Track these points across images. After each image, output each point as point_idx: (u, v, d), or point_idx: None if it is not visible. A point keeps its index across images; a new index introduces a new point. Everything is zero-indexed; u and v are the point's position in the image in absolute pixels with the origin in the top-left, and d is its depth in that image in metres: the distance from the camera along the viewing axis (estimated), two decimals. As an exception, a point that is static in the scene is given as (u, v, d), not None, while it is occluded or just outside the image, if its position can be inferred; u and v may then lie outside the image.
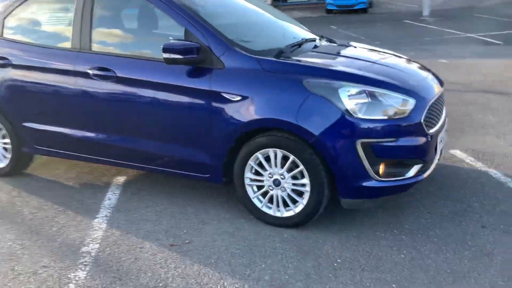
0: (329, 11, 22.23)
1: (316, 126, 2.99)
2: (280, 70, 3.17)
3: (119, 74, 3.56)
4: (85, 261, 2.98)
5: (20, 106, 4.08)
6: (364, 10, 21.84)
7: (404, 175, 3.09)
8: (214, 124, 3.29)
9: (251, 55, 3.25)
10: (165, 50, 3.22)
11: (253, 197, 3.34)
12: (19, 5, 4.17)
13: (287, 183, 3.19)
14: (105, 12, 3.84)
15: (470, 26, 15.19)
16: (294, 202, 3.22)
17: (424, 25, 16.50)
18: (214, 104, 3.26)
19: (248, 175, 3.31)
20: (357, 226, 3.28)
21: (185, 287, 2.68)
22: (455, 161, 4.33)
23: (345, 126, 2.95)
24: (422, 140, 3.08)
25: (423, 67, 3.64)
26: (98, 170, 4.49)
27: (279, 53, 3.40)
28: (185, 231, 3.32)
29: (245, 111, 3.16)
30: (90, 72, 3.65)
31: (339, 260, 2.89)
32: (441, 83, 3.58)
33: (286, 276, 2.76)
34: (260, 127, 3.16)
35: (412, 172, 3.11)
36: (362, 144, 2.95)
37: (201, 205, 3.69)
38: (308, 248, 3.03)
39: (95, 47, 3.74)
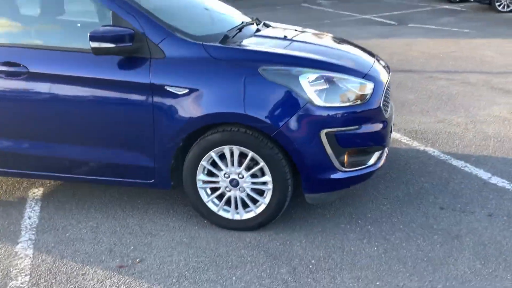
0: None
1: (277, 118, 2.72)
2: (232, 57, 2.84)
3: (32, 69, 2.98)
4: (16, 300, 2.46)
5: None
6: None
7: (366, 163, 2.95)
8: (157, 122, 2.88)
9: (196, 42, 2.88)
10: (93, 38, 2.73)
11: (208, 201, 3.00)
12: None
13: (246, 183, 2.90)
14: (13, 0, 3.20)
15: (364, 8, 15.80)
16: (255, 202, 2.94)
17: (322, 8, 16.86)
18: (156, 99, 2.84)
19: (201, 177, 2.96)
20: (320, 220, 3.09)
21: (150, 317, 2.30)
22: (392, 142, 4.32)
23: (309, 115, 2.72)
24: (381, 125, 2.95)
25: (370, 52, 3.51)
26: (7, 183, 3.82)
27: (224, 38, 3.06)
28: (132, 247, 2.89)
29: (194, 105, 2.79)
30: (-6, 68, 3.03)
31: (313, 261, 2.68)
32: (388, 67, 3.49)
33: (262, 287, 2.48)
34: (213, 123, 2.82)
35: (373, 159, 2.98)
36: (327, 134, 2.74)
37: (144, 214, 3.26)
38: (276, 252, 2.78)
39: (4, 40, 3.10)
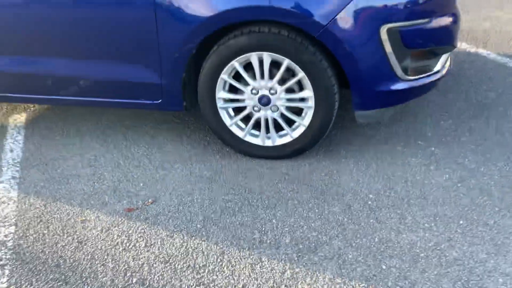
0: None
1: (323, 11, 2.03)
2: None
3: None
4: (0, 258, 1.92)
5: None
6: None
7: (432, 69, 2.31)
8: (160, 26, 2.19)
9: None
10: None
11: (231, 124, 2.39)
12: None
13: (280, 100, 2.27)
14: None
15: None
16: (290, 123, 2.33)
17: None
18: (158, -8, 2.13)
19: (221, 94, 2.32)
20: (369, 143, 2.51)
21: (172, 277, 1.77)
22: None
23: (365, 6, 2.03)
24: (451, 19, 2.27)
25: None
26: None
27: None
28: (141, 184, 2.32)
29: (209, -1, 2.09)
30: None
31: (371, 196, 2.13)
32: None
33: (313, 232, 1.94)
34: (236, 22, 2.13)
35: (440, 64, 2.34)
36: (388, 30, 2.06)
37: (151, 142, 2.66)
38: (322, 185, 2.22)
39: None
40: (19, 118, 3.04)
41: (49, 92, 2.52)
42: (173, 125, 2.81)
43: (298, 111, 2.30)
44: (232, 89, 2.33)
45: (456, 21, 2.30)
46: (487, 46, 3.58)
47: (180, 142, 2.65)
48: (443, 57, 2.35)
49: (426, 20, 2.13)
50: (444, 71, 2.38)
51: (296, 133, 2.32)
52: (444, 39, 2.26)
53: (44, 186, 2.34)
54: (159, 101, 2.41)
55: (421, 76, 2.26)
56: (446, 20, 2.22)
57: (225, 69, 2.24)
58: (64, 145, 2.70)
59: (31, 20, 2.33)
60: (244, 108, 2.35)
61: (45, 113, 3.06)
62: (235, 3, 2.06)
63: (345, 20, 2.03)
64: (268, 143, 2.38)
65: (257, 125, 2.38)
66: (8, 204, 2.24)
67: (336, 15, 2.02)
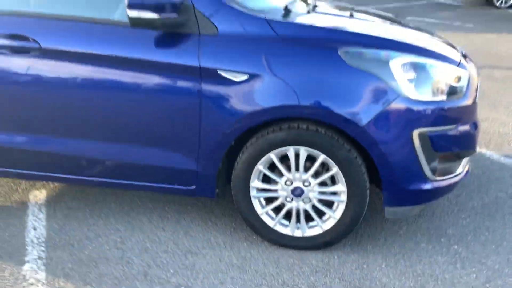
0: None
1: (360, 113, 2.18)
2: (303, 36, 2.27)
3: (44, 45, 2.36)
4: None
5: None
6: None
7: (455, 171, 2.45)
8: (204, 115, 2.31)
9: (258, 15, 2.30)
10: (132, 6, 2.13)
11: (262, 213, 2.45)
12: None
13: (313, 192, 2.36)
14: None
15: (357, 0, 15.33)
16: (320, 215, 2.41)
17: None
18: (205, 86, 2.27)
19: (255, 183, 2.40)
20: (394, 238, 2.58)
21: None
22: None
23: (400, 111, 2.19)
24: (474, 125, 2.45)
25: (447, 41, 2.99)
26: (1, 184, 3.18)
27: (286, 12, 2.49)
28: (171, 271, 2.32)
29: (254, 95, 2.23)
30: (-5, 42, 2.39)
31: (402, 292, 2.17)
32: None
33: (351, 329, 1.95)
34: (278, 117, 2.26)
35: (461, 167, 2.49)
36: (420, 135, 2.22)
37: (177, 226, 2.69)
38: (355, 279, 2.25)
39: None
40: (39, 195, 3.04)
41: (78, 172, 2.56)
42: (198, 209, 2.85)
43: (329, 204, 2.39)
44: (265, 179, 2.41)
45: (476, 128, 2.48)
46: (489, 147, 3.79)
47: (205, 227, 2.68)
48: (464, 160, 2.50)
49: (452, 126, 2.30)
50: (464, 173, 2.53)
51: (327, 225, 2.38)
52: (467, 144, 2.42)
53: (73, 269, 2.32)
54: (193, 187, 2.47)
55: (446, 177, 2.39)
56: (469, 126, 2.40)
57: (261, 160, 2.34)
58: (88, 225, 2.70)
59: (67, 102, 2.43)
60: (276, 198, 2.42)
61: (65, 191, 3.07)
62: (279, 101, 2.21)
63: (381, 123, 2.18)
64: (298, 233, 2.43)
65: (287, 215, 2.44)
66: (37, 286, 2.20)
67: (373, 117, 2.17)
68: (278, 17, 2.37)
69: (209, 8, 2.27)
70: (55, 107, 2.45)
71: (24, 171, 2.62)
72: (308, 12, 2.68)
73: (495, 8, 12.75)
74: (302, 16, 2.54)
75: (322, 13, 2.76)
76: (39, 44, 2.36)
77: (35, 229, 2.67)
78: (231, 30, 2.26)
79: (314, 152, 2.28)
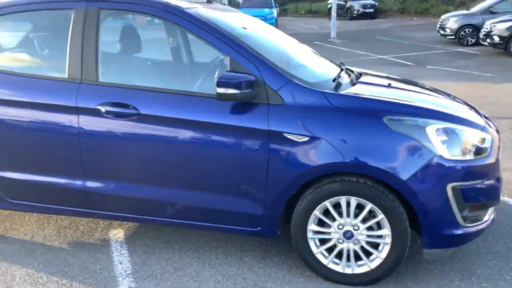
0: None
1: (403, 170, 2.65)
2: (354, 106, 2.78)
3: (143, 111, 2.91)
4: None
5: (-9, 151, 3.19)
6: (271, 31, 22.06)
7: (482, 219, 2.87)
8: (271, 169, 2.80)
9: (316, 89, 2.83)
10: (221, 84, 2.67)
11: (317, 253, 2.89)
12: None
13: (362, 235, 2.80)
14: (116, 37, 3.16)
15: (377, 48, 15.95)
16: (368, 255, 2.83)
17: (334, 46, 17.03)
18: (273, 146, 2.77)
19: (312, 227, 2.86)
20: (430, 276, 2.98)
21: None
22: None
23: (436, 168, 2.65)
24: (499, 179, 2.89)
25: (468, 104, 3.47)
26: (82, 224, 3.69)
27: (338, 85, 3.02)
28: (243, 300, 2.76)
29: (313, 154, 2.72)
30: (101, 108, 2.94)
31: (441, 322, 2.56)
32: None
33: None
34: (333, 172, 2.74)
35: (488, 215, 2.91)
36: (453, 188, 2.67)
37: (240, 262, 3.13)
38: (398, 310, 2.66)
39: (104, 78, 3.03)
40: (117, 233, 3.53)
41: (166, 215, 3.05)
42: (256, 248, 3.29)
43: (375, 245, 2.81)
44: (320, 223, 2.86)
45: (500, 181, 2.92)
46: (511, 195, 4.19)
47: (265, 263, 3.12)
48: (490, 209, 2.93)
49: (479, 181, 2.74)
50: (490, 221, 2.95)
51: (374, 264, 2.81)
52: (492, 196, 2.86)
53: (160, 296, 2.77)
54: (258, 228, 2.94)
55: (475, 224, 2.81)
56: (494, 181, 2.84)
57: (318, 207, 2.80)
58: (165, 260, 3.16)
59: (160, 157, 2.94)
60: (329, 239, 2.86)
61: (140, 230, 3.56)
62: (334, 159, 2.69)
63: (420, 177, 2.64)
64: (348, 270, 2.86)
65: (338, 254, 2.87)
66: (134, 310, 2.65)
67: (414, 173, 2.63)
68: (332, 89, 2.89)
69: (277, 83, 2.80)
70: (146, 160, 2.96)
71: (116, 214, 3.12)
72: (353, 82, 3.20)
73: None
74: (350, 88, 3.05)
75: (365, 83, 3.27)
76: (137, 110, 2.90)
77: (121, 263, 3.14)
78: (294, 101, 2.78)
79: (362, 201, 2.73)
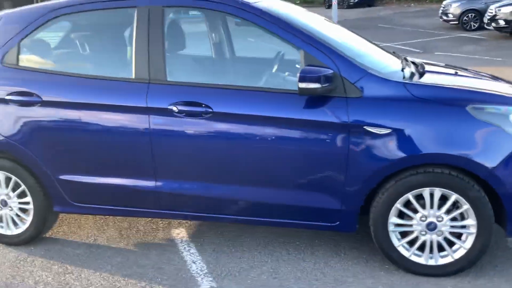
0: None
1: (489, 158, 2.63)
2: (436, 96, 2.75)
3: (216, 109, 2.86)
4: None
5: (56, 155, 3.14)
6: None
7: None
8: (351, 163, 2.77)
9: (395, 80, 2.80)
10: (303, 79, 2.63)
11: (398, 246, 2.87)
12: (42, 24, 3.19)
13: (445, 226, 2.78)
14: (181, 35, 3.10)
15: (380, 36, 15.85)
16: (450, 245, 2.82)
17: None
18: (353, 139, 2.74)
19: (393, 220, 2.83)
20: (508, 265, 2.97)
21: None
22: None
23: (523, 153, 2.64)
24: None
25: None
26: (141, 224, 3.65)
27: (411, 75, 2.98)
28: (329, 295, 2.74)
29: (396, 146, 2.69)
30: (174, 108, 2.89)
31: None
32: None
33: None
34: (417, 164, 2.71)
35: None
36: (537, 176, 2.65)
37: (314, 257, 3.11)
38: (489, 300, 2.65)
39: (173, 77, 2.98)
40: (180, 233, 3.50)
41: (240, 213, 3.02)
42: (325, 242, 3.27)
43: (458, 235, 2.80)
44: (400, 215, 2.84)
45: None
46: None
47: (340, 258, 3.10)
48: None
49: None
50: None
51: (457, 254, 2.80)
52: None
53: (246, 295, 2.75)
54: (336, 223, 2.91)
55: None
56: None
57: (400, 200, 2.78)
58: (237, 258, 3.14)
59: (235, 155, 2.90)
60: (410, 232, 2.85)
61: (201, 228, 3.53)
62: (418, 150, 2.66)
63: (506, 165, 2.62)
64: (431, 262, 2.84)
65: (419, 246, 2.86)
66: (224, 310, 2.63)
67: (500, 161, 2.61)
68: (411, 80, 2.85)
69: (354, 76, 2.76)
70: (221, 158, 2.92)
71: (189, 213, 3.08)
72: (421, 72, 3.16)
73: None
74: (422, 78, 3.01)
75: (433, 72, 3.23)
76: (211, 108, 2.86)
77: (194, 262, 3.11)
78: (373, 93, 2.75)
79: (447, 192, 2.71)
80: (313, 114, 2.77)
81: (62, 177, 3.17)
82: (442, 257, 2.84)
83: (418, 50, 12.81)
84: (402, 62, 3.29)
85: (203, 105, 2.87)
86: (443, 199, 2.75)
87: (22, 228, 3.36)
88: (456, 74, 3.28)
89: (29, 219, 3.33)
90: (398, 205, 2.79)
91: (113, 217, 3.73)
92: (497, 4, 14.14)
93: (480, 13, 15.79)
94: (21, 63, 3.20)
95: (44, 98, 3.08)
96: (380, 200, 2.82)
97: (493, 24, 13.98)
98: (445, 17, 16.81)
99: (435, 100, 2.73)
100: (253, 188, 2.94)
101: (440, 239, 2.81)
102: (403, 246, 2.87)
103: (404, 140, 2.68)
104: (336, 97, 2.76)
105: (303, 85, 2.64)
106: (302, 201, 2.91)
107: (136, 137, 2.98)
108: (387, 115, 2.71)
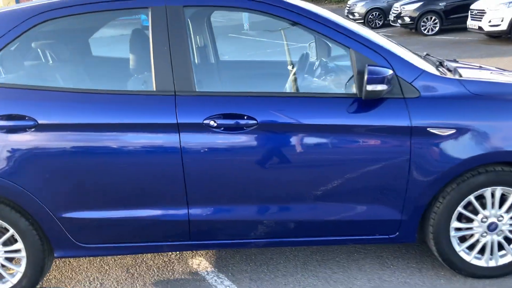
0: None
1: (548, 152, 2.57)
2: (492, 91, 2.63)
3: (261, 120, 2.50)
4: None
5: (58, 189, 2.56)
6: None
7: None
8: (413, 168, 2.56)
9: (452, 77, 2.64)
10: (371, 80, 2.37)
11: (459, 251, 2.72)
12: (28, 30, 2.57)
13: (505, 225, 2.69)
14: (205, 38, 2.68)
15: (295, 36, 15.98)
16: (509, 243, 2.74)
17: (251, 37, 16.83)
18: (416, 142, 2.53)
19: (454, 224, 2.68)
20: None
21: None
22: None
23: None
24: None
25: None
26: (148, 258, 3.15)
27: (455, 71, 2.85)
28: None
29: (461, 146, 2.53)
30: (211, 122, 2.48)
31: None
32: None
33: None
34: (483, 163, 2.58)
35: None
36: None
37: (365, 274, 2.87)
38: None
39: (202, 87, 2.56)
40: (201, 263, 3.07)
41: (282, 235, 2.68)
42: (366, 254, 3.05)
43: (513, 232, 2.72)
44: (460, 219, 2.69)
45: None
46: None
47: (391, 270, 2.88)
48: None
49: None
50: None
51: (517, 252, 2.72)
52: None
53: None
54: (395, 235, 2.69)
55: None
56: None
57: (462, 203, 2.63)
58: (283, 285, 2.79)
59: (283, 171, 2.56)
60: (471, 235, 2.72)
61: (222, 255, 3.13)
62: (485, 149, 2.52)
63: None
64: (492, 263, 2.74)
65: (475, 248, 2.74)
66: None
67: (561, 155, 2.57)
68: (466, 77, 2.71)
69: (410, 75, 2.56)
70: (269, 175, 2.56)
71: (230, 241, 2.68)
72: (455, 69, 3.02)
73: (423, 36, 14.06)
74: (466, 74, 2.87)
75: (464, 68, 3.11)
76: (255, 120, 2.49)
77: (235, 295, 2.72)
78: (431, 92, 2.57)
79: (508, 190, 2.62)
80: (373, 118, 2.52)
81: (66, 215, 2.60)
82: (501, 256, 2.75)
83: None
84: (425, 58, 3.16)
85: (245, 117, 2.49)
86: (503, 198, 2.65)
87: (11, 281, 2.71)
88: (480, 68, 3.22)
89: (20, 269, 2.70)
90: (460, 208, 2.65)
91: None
92: (401, 2, 15.01)
93: (383, 12, 16.71)
94: (5, 80, 2.57)
95: (40, 121, 2.48)
96: (441, 205, 2.65)
97: (399, 21, 14.81)
98: (351, 16, 17.50)
99: (490, 96, 2.61)
100: (308, 206, 2.62)
101: (500, 238, 2.71)
102: (464, 251, 2.74)
103: (468, 140, 2.53)
104: (394, 99, 2.54)
105: (370, 87, 2.38)
106: (360, 215, 2.65)
107: (162, 159, 2.51)
108: (449, 114, 2.54)
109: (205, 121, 2.48)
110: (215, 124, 2.48)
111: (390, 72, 2.45)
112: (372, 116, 2.52)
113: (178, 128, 2.49)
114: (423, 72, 2.58)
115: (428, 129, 2.52)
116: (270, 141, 2.52)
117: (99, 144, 2.50)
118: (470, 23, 11.98)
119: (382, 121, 2.52)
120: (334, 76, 2.92)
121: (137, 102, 2.52)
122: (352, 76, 2.62)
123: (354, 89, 2.58)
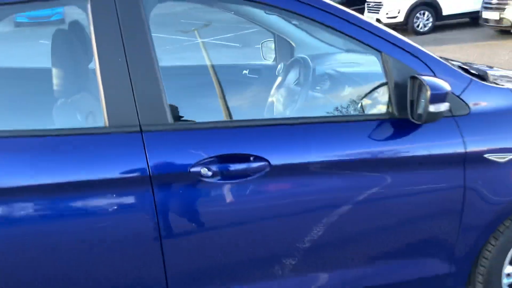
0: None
1: None
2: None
3: (275, 162, 1.71)
4: None
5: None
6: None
7: None
8: (467, 206, 1.95)
9: (504, 87, 2.05)
10: (435, 98, 1.69)
11: (509, 297, 2.19)
12: None
13: (560, 263, 2.20)
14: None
15: (199, 32, 15.19)
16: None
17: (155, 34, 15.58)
18: (470, 173, 1.92)
19: (507, 269, 2.13)
20: None
21: None
22: None
23: None
24: None
25: None
26: None
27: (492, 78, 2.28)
28: None
29: (521, 173, 1.98)
30: (202, 170, 1.64)
31: None
32: None
33: None
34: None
35: None
36: None
37: None
38: None
39: (183, 115, 1.71)
40: None
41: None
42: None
43: None
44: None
45: None
46: None
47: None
48: None
49: None
50: None
51: None
52: None
53: None
54: (444, 289, 2.08)
55: None
56: None
57: (514, 243, 2.09)
58: None
59: (308, 233, 1.82)
60: (520, 278, 2.19)
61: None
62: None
63: None
64: (541, 307, 2.24)
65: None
66: None
67: None
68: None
69: (458, 86, 1.93)
70: (285, 237, 1.80)
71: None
72: (485, 73, 2.46)
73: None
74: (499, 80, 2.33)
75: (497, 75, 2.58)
76: (267, 161, 1.69)
77: None
78: (482, 106, 1.96)
79: None
80: (417, 147, 1.86)
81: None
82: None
83: (237, 44, 12.32)
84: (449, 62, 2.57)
85: (252, 158, 1.69)
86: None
87: None
88: (491, 68, 2.70)
89: None
90: (512, 250, 2.10)
91: None
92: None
93: None
94: None
95: None
96: (493, 248, 2.08)
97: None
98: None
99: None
100: (336, 272, 1.90)
101: (550, 278, 2.22)
102: (511, 297, 2.21)
103: (528, 165, 1.98)
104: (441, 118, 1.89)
105: (433, 107, 1.70)
106: (403, 274, 1.98)
107: (126, 232, 1.63)
108: (506, 135, 1.96)
109: (193, 169, 1.63)
110: (210, 173, 1.64)
111: (448, 86, 1.79)
112: (419, 143, 1.87)
113: (151, 183, 1.61)
114: (471, 82, 1.97)
115: (484, 155, 1.91)
116: (288, 189, 1.75)
117: (22, 214, 1.55)
118: (367, 16, 11.95)
119: (430, 149, 1.88)
120: (346, 89, 2.21)
121: (83, 146, 1.59)
122: (374, 89, 1.95)
123: (381, 107, 1.91)
